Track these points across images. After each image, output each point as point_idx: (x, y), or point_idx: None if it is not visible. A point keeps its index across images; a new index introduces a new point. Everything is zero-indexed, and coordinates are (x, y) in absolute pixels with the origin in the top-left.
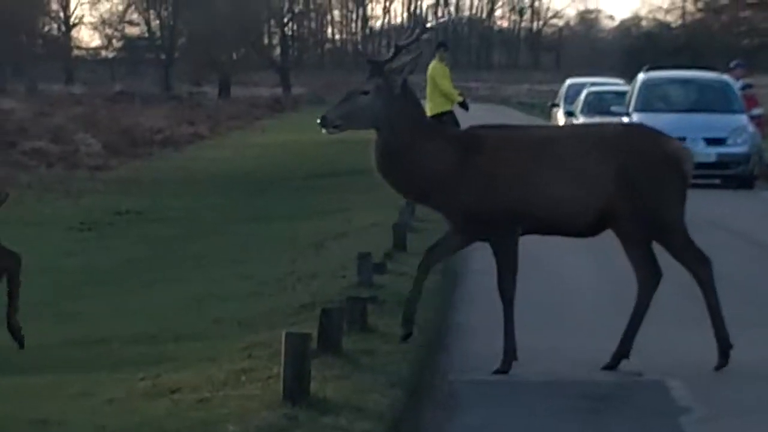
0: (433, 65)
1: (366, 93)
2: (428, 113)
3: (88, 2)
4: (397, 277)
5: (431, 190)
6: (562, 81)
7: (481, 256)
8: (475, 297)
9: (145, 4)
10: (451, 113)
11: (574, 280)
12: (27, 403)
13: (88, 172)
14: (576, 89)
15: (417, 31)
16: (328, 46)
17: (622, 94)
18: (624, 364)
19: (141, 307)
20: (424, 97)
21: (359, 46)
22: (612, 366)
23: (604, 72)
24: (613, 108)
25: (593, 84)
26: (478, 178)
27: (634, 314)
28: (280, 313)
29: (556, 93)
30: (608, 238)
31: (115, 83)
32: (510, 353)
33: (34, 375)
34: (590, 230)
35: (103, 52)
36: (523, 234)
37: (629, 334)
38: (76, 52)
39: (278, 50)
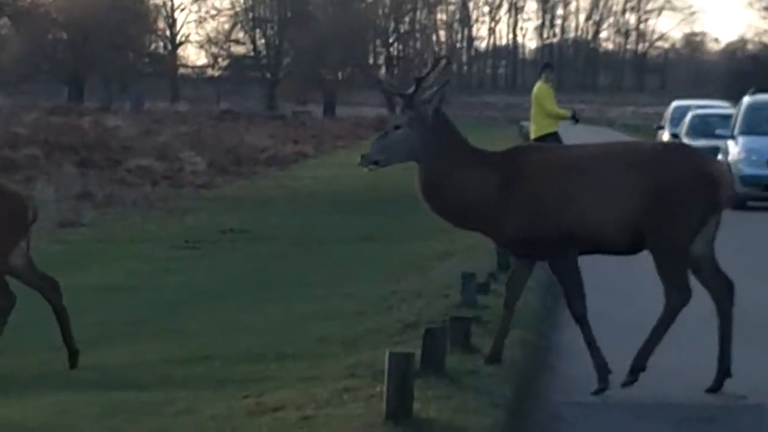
0: (538, 86)
1: (399, 127)
2: (532, 135)
3: (195, 21)
4: (500, 298)
5: (476, 217)
6: (667, 103)
7: (583, 278)
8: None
9: (251, 23)
10: (555, 134)
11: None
12: (131, 419)
13: (193, 191)
14: (681, 112)
15: (434, 64)
16: None
17: (728, 117)
18: (728, 385)
19: (244, 326)
20: (529, 119)
21: (464, 67)
22: (715, 389)
23: (709, 95)
24: (718, 131)
25: (698, 107)
26: (520, 204)
27: (721, 331)
28: (383, 333)
29: (661, 115)
30: None
31: (220, 102)
32: (602, 370)
33: (138, 392)
34: (630, 248)
35: (209, 71)
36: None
37: (724, 352)
38: (181, 70)
39: (383, 70)
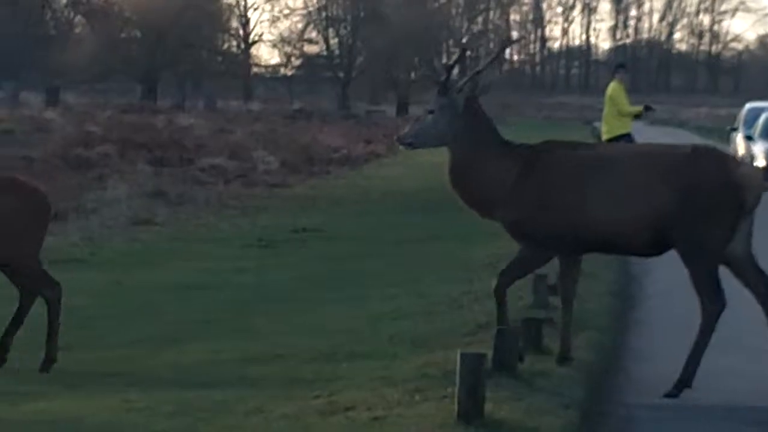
0: (612, 86)
1: (431, 112)
2: (604, 136)
3: (268, 20)
4: (578, 302)
5: (493, 205)
6: (741, 105)
7: (655, 280)
8: (652, 320)
9: (324, 23)
10: (628, 135)
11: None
12: (203, 418)
13: (266, 190)
14: (755, 113)
15: (459, 54)
16: (506, 66)
17: None
18: None
19: (316, 325)
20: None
21: (537, 67)
22: None
23: None
24: None
25: None
26: (530, 193)
27: None
28: (454, 333)
29: (734, 117)
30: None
31: (293, 101)
32: (565, 345)
33: (210, 390)
34: (648, 250)
35: (282, 70)
36: (585, 252)
37: None
38: (254, 69)
39: (456, 69)
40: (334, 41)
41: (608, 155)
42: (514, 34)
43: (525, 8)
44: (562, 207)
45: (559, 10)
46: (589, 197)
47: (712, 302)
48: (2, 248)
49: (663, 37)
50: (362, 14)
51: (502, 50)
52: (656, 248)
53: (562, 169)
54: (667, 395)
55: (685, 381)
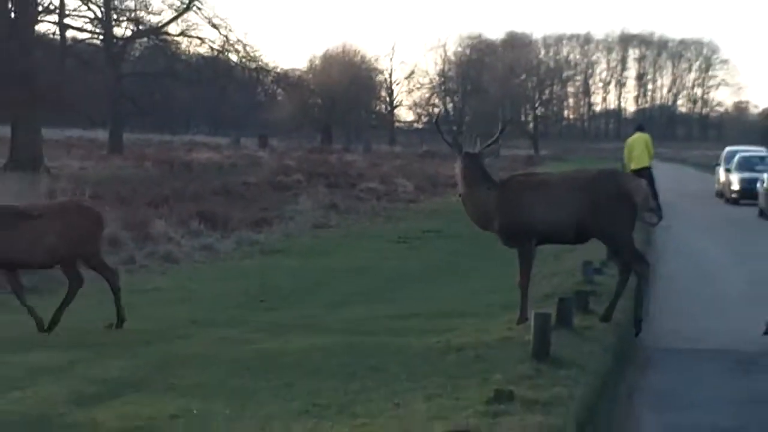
0: (640, 136)
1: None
2: (633, 167)
3: (406, 91)
4: (609, 278)
5: (487, 220)
6: (722, 148)
7: (664, 268)
8: (661, 295)
9: (443, 93)
10: (648, 168)
11: (731, 280)
12: (359, 357)
13: (404, 204)
14: (732, 154)
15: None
16: (564, 122)
17: (764, 157)
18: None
19: (437, 295)
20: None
21: (585, 123)
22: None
23: (751, 143)
24: (757, 167)
25: (744, 151)
26: (504, 209)
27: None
28: (531, 300)
29: (719, 156)
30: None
31: (422, 145)
32: (522, 317)
33: (368, 336)
34: (578, 240)
35: (415, 125)
36: (537, 245)
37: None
38: (397, 124)
39: (531, 124)
40: (450, 105)
41: (545, 179)
42: (570, 101)
43: (577, 83)
44: (519, 214)
45: (600, 84)
46: (535, 207)
47: (640, 265)
48: (76, 248)
49: (670, 103)
50: (469, 87)
51: (504, 129)
52: (582, 239)
53: (516, 191)
54: (636, 333)
55: (639, 321)
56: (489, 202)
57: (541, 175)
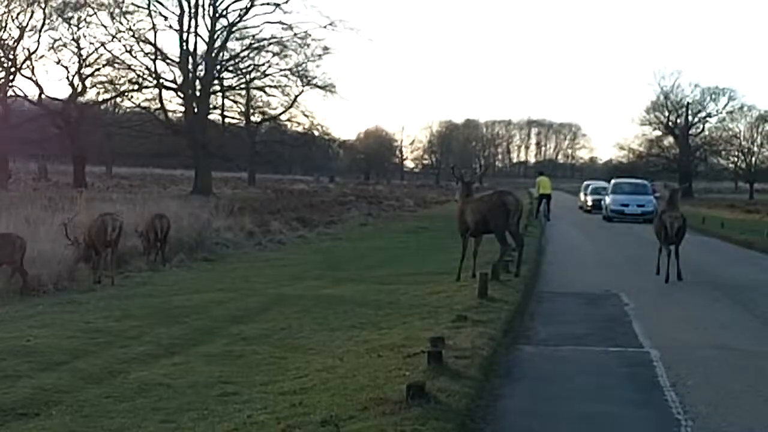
0: (542, 178)
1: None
2: (537, 194)
3: (410, 151)
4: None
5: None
6: (582, 182)
7: (551, 245)
8: (548, 260)
9: (430, 152)
10: (549, 195)
11: (586, 252)
12: (385, 296)
13: (408, 213)
14: (588, 185)
15: (482, 171)
16: (496, 168)
17: (605, 187)
18: (603, 285)
19: (424, 263)
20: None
21: (507, 168)
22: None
23: (599, 179)
24: (602, 192)
25: (595, 182)
26: (464, 216)
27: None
28: (478, 266)
29: (580, 186)
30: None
31: (418, 181)
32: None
33: (391, 285)
34: (484, 233)
35: (414, 169)
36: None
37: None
38: (405, 168)
39: (478, 169)
40: (434, 159)
41: (475, 200)
42: (500, 156)
43: (503, 147)
44: (469, 219)
45: (515, 147)
46: (468, 214)
47: (504, 245)
48: None
49: (554, 157)
50: (444, 150)
51: (486, 169)
52: (486, 233)
53: (468, 206)
54: (516, 275)
55: (518, 270)
56: (462, 210)
57: (472, 197)
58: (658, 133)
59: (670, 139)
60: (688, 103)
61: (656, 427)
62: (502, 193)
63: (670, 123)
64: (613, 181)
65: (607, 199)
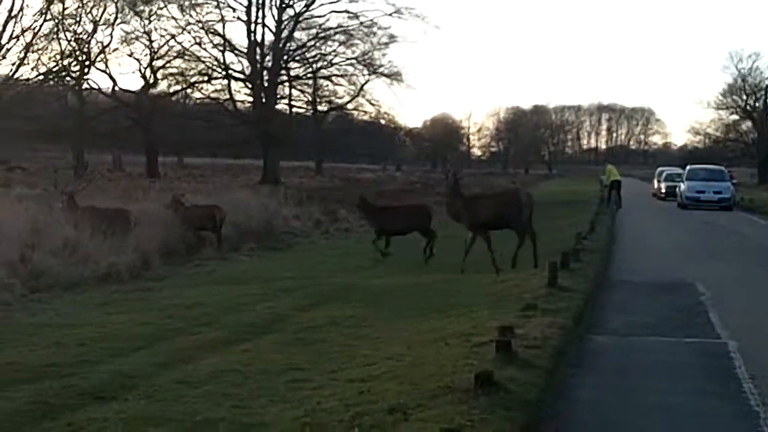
0: (610, 166)
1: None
2: (607, 182)
3: (476, 139)
4: (592, 242)
5: (458, 217)
6: (656, 169)
7: (623, 230)
8: (618, 248)
9: (497, 140)
10: (618, 182)
11: (660, 240)
12: (453, 285)
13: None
14: (661, 172)
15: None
16: (565, 155)
17: (680, 174)
18: (676, 273)
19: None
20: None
21: (577, 155)
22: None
23: (674, 164)
24: (676, 179)
25: (669, 168)
26: (465, 212)
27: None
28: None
29: (654, 173)
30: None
31: (487, 168)
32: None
33: (456, 275)
34: (502, 227)
35: (481, 157)
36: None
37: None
38: (472, 156)
39: (546, 157)
40: (502, 144)
41: (481, 194)
42: (569, 143)
43: (572, 134)
44: (476, 214)
45: (585, 134)
46: (478, 209)
47: (533, 235)
48: None
49: (626, 143)
50: (512, 137)
51: (456, 176)
52: (504, 227)
53: (473, 201)
54: (535, 265)
55: (535, 264)
56: (460, 207)
57: (478, 191)
58: (736, 117)
59: (749, 123)
60: (767, 85)
61: (733, 419)
62: (513, 189)
63: (748, 107)
64: (688, 167)
65: (682, 186)
